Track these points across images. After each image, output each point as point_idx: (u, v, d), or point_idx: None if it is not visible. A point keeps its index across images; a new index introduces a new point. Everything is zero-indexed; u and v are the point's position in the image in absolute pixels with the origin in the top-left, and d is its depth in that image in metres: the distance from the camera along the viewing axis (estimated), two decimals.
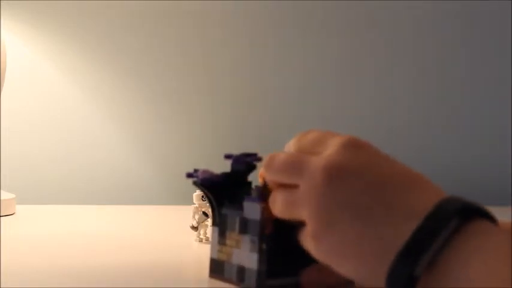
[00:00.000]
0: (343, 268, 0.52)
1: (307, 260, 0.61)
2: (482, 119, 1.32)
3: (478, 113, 1.32)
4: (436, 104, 1.30)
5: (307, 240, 0.54)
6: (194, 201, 0.83)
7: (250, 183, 0.64)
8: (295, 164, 0.55)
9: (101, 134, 1.17)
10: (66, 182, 1.16)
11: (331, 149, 0.53)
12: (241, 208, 0.62)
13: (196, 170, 0.64)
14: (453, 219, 0.46)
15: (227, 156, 0.65)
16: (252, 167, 0.64)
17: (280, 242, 0.60)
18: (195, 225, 0.82)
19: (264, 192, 0.60)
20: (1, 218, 0.94)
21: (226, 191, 0.64)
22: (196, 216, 0.82)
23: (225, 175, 0.64)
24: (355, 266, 0.51)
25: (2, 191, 1.01)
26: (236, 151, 0.66)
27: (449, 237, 0.46)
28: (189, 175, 0.64)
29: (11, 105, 1.13)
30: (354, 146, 0.53)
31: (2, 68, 0.98)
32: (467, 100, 1.31)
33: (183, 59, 1.20)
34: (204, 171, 0.64)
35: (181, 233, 0.88)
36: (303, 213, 0.54)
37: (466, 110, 1.31)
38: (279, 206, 0.57)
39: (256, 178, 0.63)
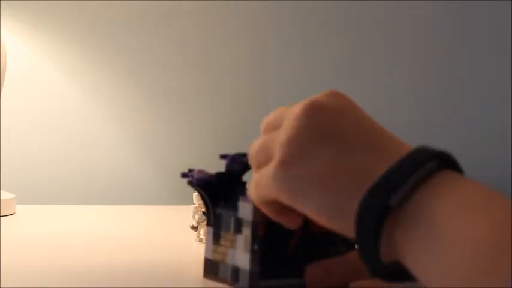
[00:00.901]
0: (309, 201, 0.50)
1: (302, 261, 0.61)
2: (482, 119, 1.32)
3: (478, 113, 1.32)
4: (436, 104, 1.30)
5: (270, 171, 0.52)
6: (194, 201, 0.83)
7: (244, 183, 0.64)
8: (275, 117, 0.55)
9: (101, 134, 1.17)
10: (66, 182, 1.16)
11: (313, 96, 0.54)
12: (236, 208, 0.61)
13: (191, 170, 0.64)
14: (431, 161, 0.47)
15: (223, 156, 0.65)
16: (247, 167, 0.64)
17: (274, 243, 0.60)
18: (195, 225, 0.82)
19: None
20: (1, 218, 0.94)
21: (221, 191, 0.63)
22: (196, 216, 0.82)
23: (219, 175, 0.64)
24: (324, 199, 0.49)
25: (2, 191, 1.01)
26: (236, 151, 0.67)
27: (424, 177, 0.46)
28: (184, 175, 0.64)
29: (11, 105, 1.13)
30: (335, 94, 0.54)
31: (2, 68, 0.98)
32: (467, 100, 1.31)
33: (183, 59, 1.20)
34: (199, 171, 0.64)
35: (181, 233, 0.88)
36: (276, 149, 0.52)
37: (466, 110, 1.31)
38: (255, 146, 0.56)
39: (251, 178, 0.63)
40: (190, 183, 0.64)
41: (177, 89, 1.20)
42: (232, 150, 1.15)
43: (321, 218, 0.50)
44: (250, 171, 0.65)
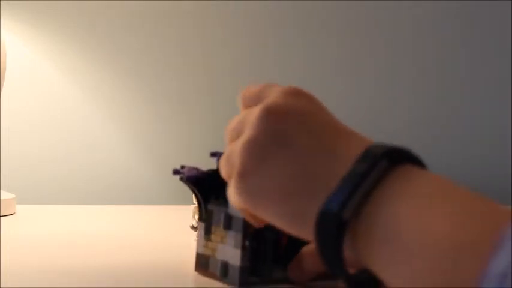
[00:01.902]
0: (269, 210, 0.50)
1: (291, 258, 0.62)
2: (482, 119, 1.32)
3: (478, 113, 1.32)
4: (436, 104, 1.30)
5: (232, 184, 0.52)
6: (194, 201, 0.83)
7: None
8: (238, 123, 0.55)
9: (101, 134, 1.17)
10: (66, 182, 1.16)
11: (272, 95, 0.54)
12: (226, 204, 0.62)
13: (183, 167, 0.65)
14: (381, 161, 0.46)
15: (213, 154, 0.66)
16: None
17: (264, 240, 0.61)
18: (195, 225, 0.82)
19: None
20: (1, 218, 0.94)
21: (212, 187, 0.64)
22: (196, 216, 0.82)
23: (211, 172, 0.65)
24: (283, 209, 0.49)
25: (2, 191, 1.00)
26: None
27: (378, 179, 0.45)
28: (176, 172, 0.65)
29: (11, 105, 1.13)
30: (294, 93, 0.53)
31: (2, 68, 0.98)
32: (467, 100, 1.31)
33: (183, 59, 1.20)
34: (190, 169, 0.65)
35: (181, 233, 0.88)
36: (236, 153, 0.52)
37: (466, 110, 1.31)
38: (222, 159, 0.55)
39: None
40: (182, 179, 0.65)
41: (177, 89, 1.20)
42: None
43: (284, 227, 0.50)
44: None
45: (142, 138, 1.19)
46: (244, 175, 0.50)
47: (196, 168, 0.65)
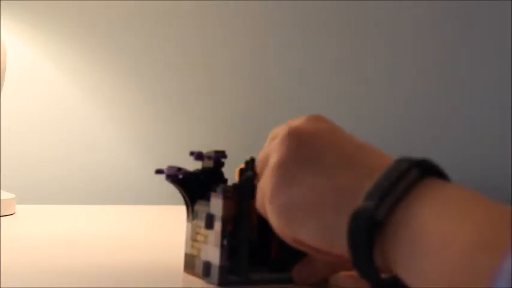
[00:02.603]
0: (304, 229, 0.52)
1: (272, 257, 0.63)
2: (482, 119, 1.32)
3: (478, 113, 1.32)
4: (436, 104, 1.30)
5: (267, 209, 0.55)
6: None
7: (225, 180, 0.66)
8: (265, 154, 0.58)
9: (101, 134, 1.17)
10: (66, 182, 1.16)
11: (294, 122, 0.57)
12: (208, 204, 0.63)
13: (180, 168, 0.66)
14: (412, 170, 0.48)
15: (192, 153, 0.67)
16: (219, 164, 0.65)
17: (240, 239, 0.62)
18: None
19: (228, 189, 0.61)
20: (1, 218, 0.94)
21: (198, 187, 0.65)
22: None
23: (196, 172, 0.66)
24: (315, 222, 0.51)
25: (2, 191, 1.00)
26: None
27: (409, 185, 0.47)
28: (158, 171, 0.66)
29: (11, 105, 1.13)
30: (314, 118, 0.56)
31: (2, 68, 0.98)
32: (467, 100, 1.31)
33: (183, 59, 1.20)
34: (170, 167, 0.66)
35: (181, 233, 0.88)
36: (266, 178, 0.55)
37: (466, 110, 1.31)
38: (259, 188, 0.58)
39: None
40: (167, 179, 0.66)
41: (177, 89, 1.20)
42: (232, 150, 1.15)
43: (319, 245, 0.52)
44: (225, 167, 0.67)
45: (142, 138, 1.19)
46: (275, 196, 0.53)
47: (179, 168, 0.66)
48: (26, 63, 1.14)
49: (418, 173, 0.48)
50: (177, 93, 1.20)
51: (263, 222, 0.61)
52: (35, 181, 1.15)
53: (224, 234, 0.61)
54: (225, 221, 0.61)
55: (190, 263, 0.66)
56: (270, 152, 0.57)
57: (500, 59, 1.32)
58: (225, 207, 0.61)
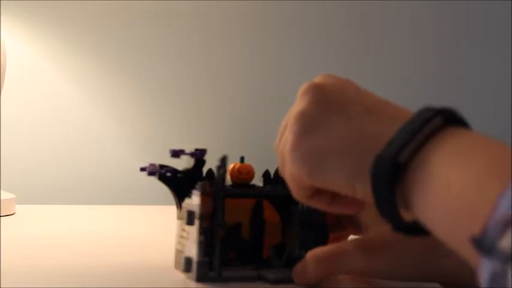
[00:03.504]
0: (326, 170, 0.53)
1: (264, 257, 0.64)
2: (482, 119, 1.32)
3: (478, 113, 1.32)
4: (436, 104, 1.30)
5: (287, 150, 0.55)
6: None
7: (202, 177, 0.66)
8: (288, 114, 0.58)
9: (101, 134, 1.17)
10: (66, 182, 1.16)
11: (314, 79, 0.57)
12: (191, 201, 0.64)
13: (162, 166, 0.67)
14: (435, 118, 0.49)
15: (173, 151, 0.68)
16: (200, 162, 0.66)
17: (217, 235, 0.62)
18: None
19: (205, 186, 0.62)
20: (1, 218, 0.94)
21: (187, 185, 0.66)
22: None
23: (185, 170, 0.67)
24: (338, 167, 0.52)
25: (2, 191, 1.00)
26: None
27: (429, 134, 0.48)
28: (142, 169, 0.67)
29: (11, 105, 1.13)
30: (331, 75, 0.58)
31: (2, 68, 0.98)
32: (467, 100, 1.31)
33: (183, 59, 1.20)
34: (151, 165, 0.66)
35: None
36: (289, 129, 0.56)
37: (466, 110, 1.31)
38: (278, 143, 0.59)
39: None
40: (159, 178, 0.66)
41: (178, 89, 1.20)
42: (232, 150, 1.15)
43: (340, 189, 0.53)
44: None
45: (142, 138, 1.19)
46: (298, 142, 0.54)
47: (163, 166, 0.67)
48: (26, 63, 1.14)
49: (440, 122, 0.49)
50: (177, 93, 1.20)
51: (256, 223, 0.61)
52: (35, 181, 1.15)
53: (201, 230, 0.62)
54: (202, 218, 0.62)
55: (179, 260, 0.66)
56: (293, 107, 0.57)
57: (500, 59, 1.32)
58: (203, 204, 0.62)
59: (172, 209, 1.11)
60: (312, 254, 0.63)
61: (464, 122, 0.50)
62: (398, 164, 0.48)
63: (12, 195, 0.99)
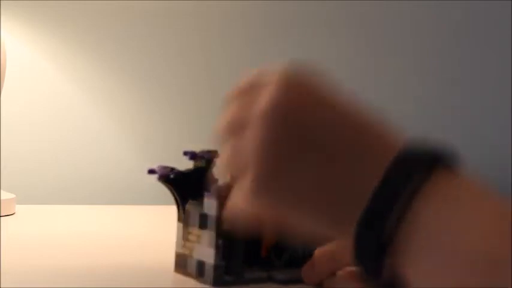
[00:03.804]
0: (301, 214, 0.45)
1: (263, 256, 0.64)
2: (482, 119, 1.32)
3: (478, 113, 1.32)
4: (436, 104, 1.30)
5: (248, 187, 0.46)
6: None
7: (216, 180, 0.66)
8: (237, 117, 0.49)
9: (101, 134, 1.17)
10: (66, 182, 1.16)
11: (273, 88, 0.47)
12: (202, 204, 0.63)
13: (174, 169, 0.66)
14: (418, 171, 0.43)
15: (185, 153, 0.67)
16: (211, 163, 0.66)
17: (235, 239, 0.62)
18: None
19: (222, 189, 0.61)
20: (1, 218, 0.94)
21: (189, 187, 0.65)
22: None
23: (188, 172, 0.66)
24: (317, 214, 0.45)
25: (2, 191, 1.00)
26: None
27: (415, 190, 0.42)
28: (151, 171, 0.66)
29: (11, 105, 1.13)
30: (292, 86, 0.47)
31: (2, 68, 0.98)
32: (467, 100, 1.31)
33: (183, 59, 1.20)
34: (163, 167, 0.66)
35: None
36: (249, 159, 0.47)
37: (466, 110, 1.31)
38: (225, 155, 0.50)
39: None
40: (159, 179, 0.66)
41: (178, 89, 1.20)
42: None
43: (320, 231, 0.46)
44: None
45: (142, 138, 1.19)
46: (265, 177, 0.45)
47: (173, 168, 0.66)
48: (26, 63, 1.14)
49: (424, 173, 0.43)
50: (177, 93, 1.20)
51: None
52: (35, 181, 1.15)
53: (219, 234, 0.61)
54: (219, 221, 0.61)
55: (181, 263, 0.66)
56: (247, 117, 0.48)
57: (500, 59, 1.32)
58: (220, 207, 0.61)
59: (172, 209, 1.11)
60: (320, 252, 0.62)
61: (451, 159, 0.45)
62: (383, 243, 0.42)
63: (12, 195, 0.99)
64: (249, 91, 0.50)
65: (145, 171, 1.18)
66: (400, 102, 1.29)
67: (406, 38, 1.29)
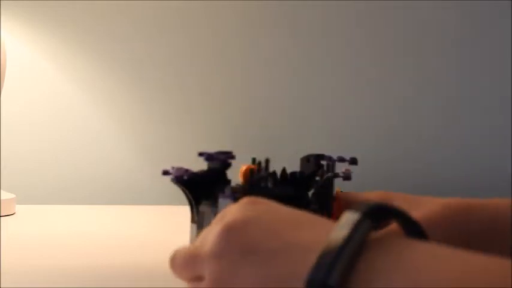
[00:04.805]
0: None
1: None
2: (482, 119, 1.32)
3: (478, 113, 1.32)
4: (436, 104, 1.30)
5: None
6: None
7: (229, 181, 0.65)
8: (194, 253, 0.55)
9: (101, 134, 1.17)
10: (66, 182, 1.16)
11: (230, 212, 0.53)
12: (216, 205, 0.63)
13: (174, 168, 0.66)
14: (363, 223, 0.45)
15: (201, 154, 0.66)
16: (226, 165, 0.65)
17: None
18: None
19: (238, 190, 0.61)
20: (1, 218, 0.94)
21: (203, 188, 0.65)
22: None
23: (201, 172, 0.65)
24: None
25: (2, 191, 1.01)
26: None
27: (361, 243, 0.44)
28: (165, 172, 0.65)
29: (11, 105, 1.13)
30: (250, 202, 0.54)
31: (2, 68, 0.98)
32: (467, 101, 1.31)
33: (183, 59, 1.20)
34: (178, 169, 0.65)
35: (181, 233, 0.88)
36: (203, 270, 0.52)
37: (466, 110, 1.31)
38: (179, 262, 0.56)
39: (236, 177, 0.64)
40: (173, 180, 0.65)
41: (178, 90, 1.20)
42: (232, 150, 1.15)
43: None
44: (232, 168, 0.66)
45: (142, 138, 1.19)
46: (219, 282, 0.51)
47: (186, 169, 0.65)
48: (26, 63, 1.14)
49: (369, 226, 0.45)
50: (177, 93, 1.20)
51: None
52: (35, 181, 1.15)
53: None
54: None
55: None
56: (204, 242, 0.54)
57: (500, 59, 1.32)
58: None
59: (172, 209, 1.11)
60: None
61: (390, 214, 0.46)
62: None
63: (12, 195, 0.99)
64: (192, 265, 0.56)
65: (145, 171, 1.18)
66: (400, 101, 1.29)
67: (406, 38, 1.29)
